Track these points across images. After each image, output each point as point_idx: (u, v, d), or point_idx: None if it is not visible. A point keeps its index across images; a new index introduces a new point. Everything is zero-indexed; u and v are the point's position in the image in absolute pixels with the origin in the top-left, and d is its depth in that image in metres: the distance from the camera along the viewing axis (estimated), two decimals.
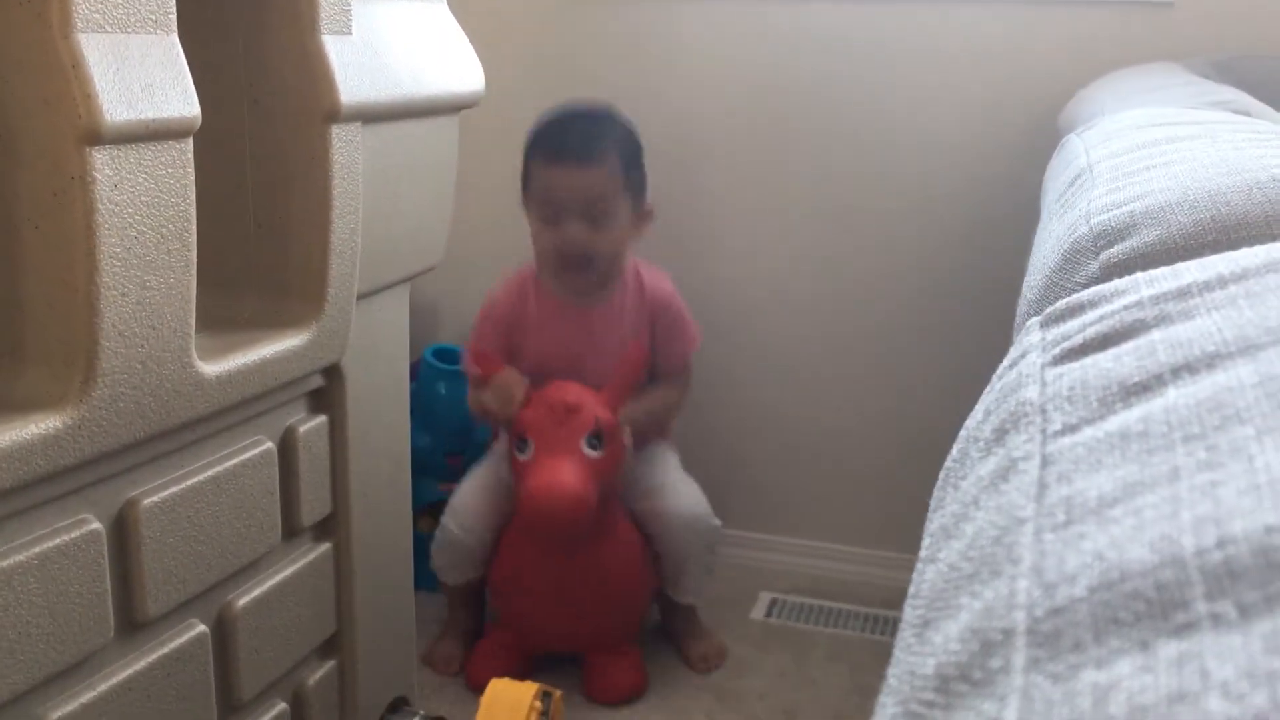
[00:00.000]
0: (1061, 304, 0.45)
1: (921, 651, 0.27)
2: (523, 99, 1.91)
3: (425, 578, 1.83)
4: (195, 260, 0.77)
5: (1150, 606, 0.22)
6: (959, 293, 1.77)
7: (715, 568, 1.66)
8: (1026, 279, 0.72)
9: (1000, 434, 0.35)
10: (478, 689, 1.37)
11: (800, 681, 1.60)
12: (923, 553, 0.35)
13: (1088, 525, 0.26)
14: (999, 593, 0.26)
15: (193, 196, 0.75)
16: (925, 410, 1.77)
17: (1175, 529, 0.24)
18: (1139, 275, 0.43)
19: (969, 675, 0.24)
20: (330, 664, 1.00)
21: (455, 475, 1.86)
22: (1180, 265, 0.43)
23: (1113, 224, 0.62)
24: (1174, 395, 0.31)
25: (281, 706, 0.94)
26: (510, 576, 1.59)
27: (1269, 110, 1.10)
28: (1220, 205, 0.59)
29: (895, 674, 0.28)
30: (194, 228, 0.76)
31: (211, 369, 0.81)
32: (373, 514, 1.02)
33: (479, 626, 1.68)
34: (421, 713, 1.03)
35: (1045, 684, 0.22)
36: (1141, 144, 0.81)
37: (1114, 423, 0.31)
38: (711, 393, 1.88)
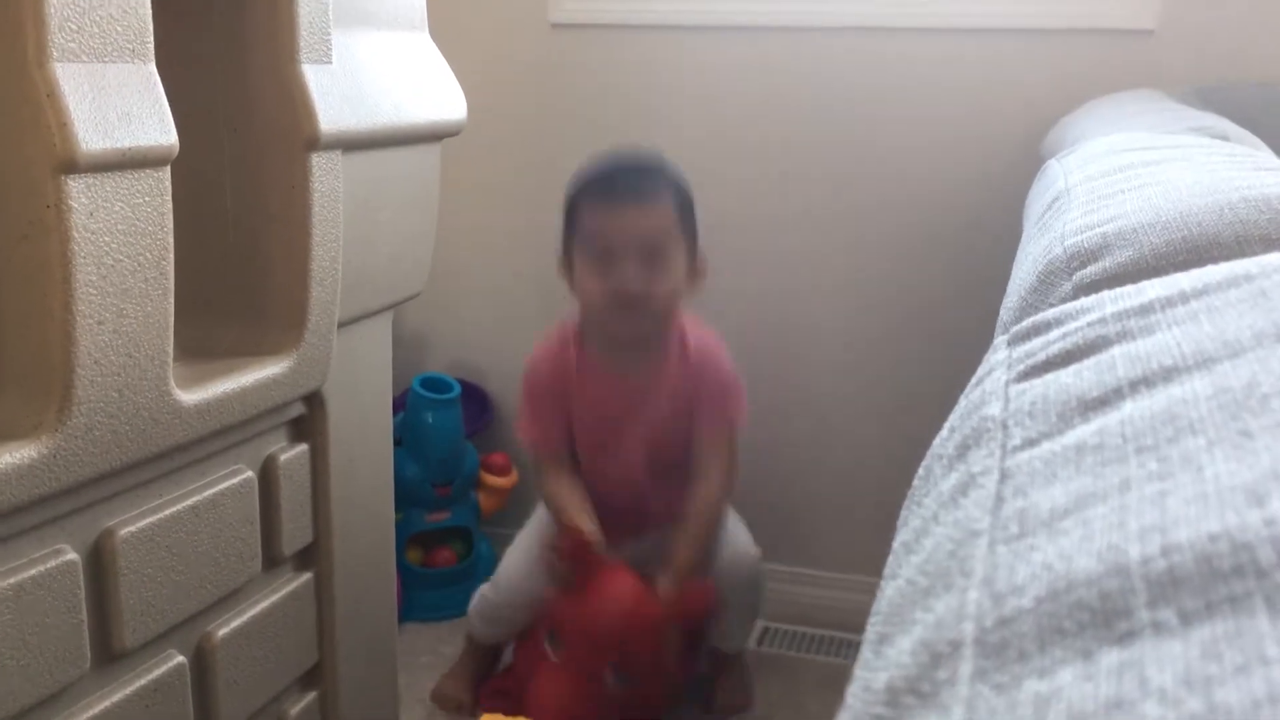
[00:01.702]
0: (1028, 322, 0.45)
1: (876, 666, 0.27)
2: (506, 128, 1.92)
3: (415, 609, 1.82)
4: (173, 289, 0.77)
5: (1094, 616, 0.22)
6: (951, 318, 1.77)
7: (761, 611, 1.63)
8: (1004, 300, 0.73)
9: (963, 450, 0.35)
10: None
11: (792, 710, 1.59)
12: (886, 571, 0.35)
13: (1039, 537, 0.26)
14: (950, 605, 0.26)
15: (170, 225, 0.75)
16: (916, 436, 1.77)
17: (1122, 538, 0.24)
18: (1105, 293, 0.43)
19: (918, 688, 0.23)
20: (312, 695, 0.99)
21: (443, 505, 1.85)
22: (1146, 283, 0.43)
23: (1086, 245, 0.62)
24: (1130, 409, 0.31)
25: None
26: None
27: (1248, 135, 1.10)
28: (1192, 226, 0.59)
29: (852, 691, 0.28)
30: (171, 256, 0.76)
31: (190, 397, 0.81)
32: (355, 543, 1.01)
33: (490, 674, 1.66)
34: None
35: (989, 694, 0.21)
36: (1118, 167, 0.81)
37: (1071, 437, 0.31)
38: None
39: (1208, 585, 0.21)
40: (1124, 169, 0.80)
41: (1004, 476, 0.31)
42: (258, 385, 0.86)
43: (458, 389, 1.84)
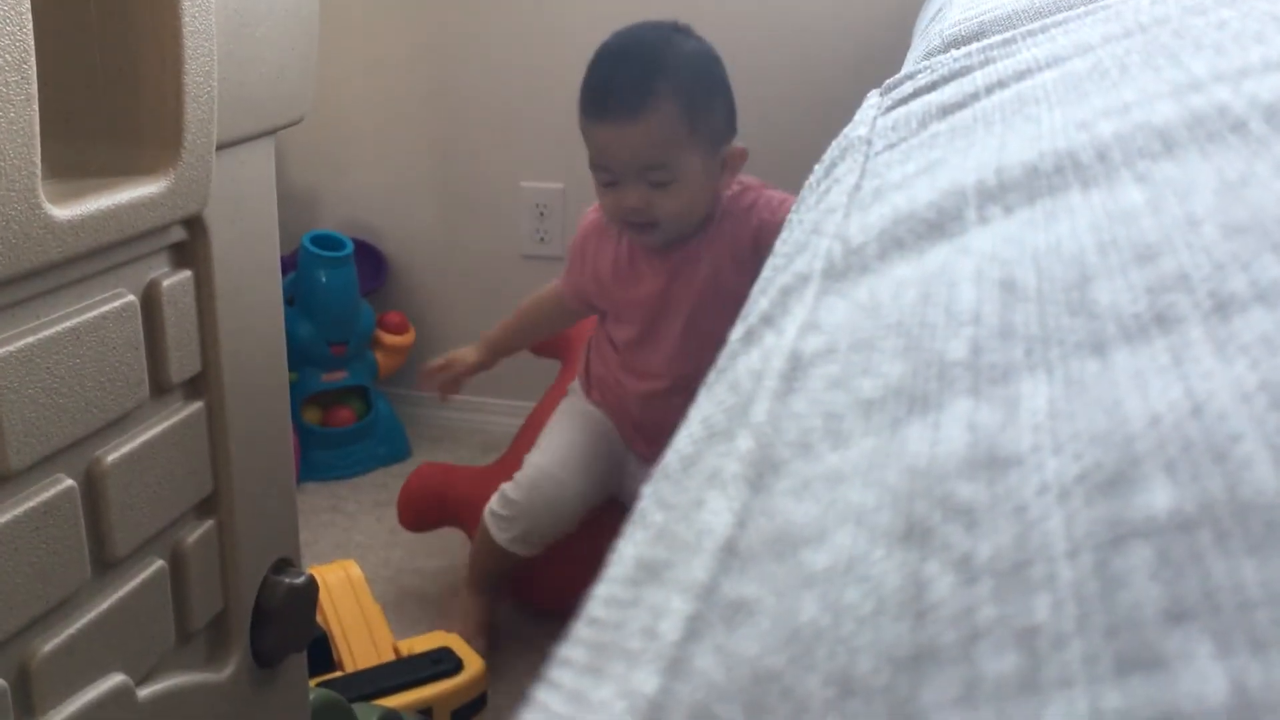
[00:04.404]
0: (900, 76, 0.46)
1: (739, 328, 0.28)
2: None
3: (314, 469, 1.82)
4: (36, 96, 0.73)
5: (929, 227, 0.23)
6: None
7: None
8: None
9: (830, 168, 0.36)
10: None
11: None
12: None
13: (890, 195, 0.27)
14: (805, 258, 0.27)
15: (29, 25, 0.71)
16: None
17: (962, 175, 0.25)
18: (974, 44, 0.45)
19: (770, 319, 0.25)
20: (209, 523, 0.99)
21: (340, 364, 1.84)
22: (1013, 31, 0.44)
23: (963, 33, 0.63)
24: (984, 102, 0.32)
25: (160, 564, 0.92)
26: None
27: None
28: (1063, 8, 0.60)
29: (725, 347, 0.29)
30: (33, 60, 0.72)
31: (63, 213, 0.78)
32: (246, 373, 1.00)
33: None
34: (307, 573, 1.02)
35: (831, 299, 0.23)
36: None
37: (927, 133, 0.32)
38: None
39: (1031, 185, 0.22)
40: None
41: (864, 173, 0.32)
42: (134, 204, 0.83)
43: (350, 246, 1.80)
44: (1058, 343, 0.15)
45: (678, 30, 1.29)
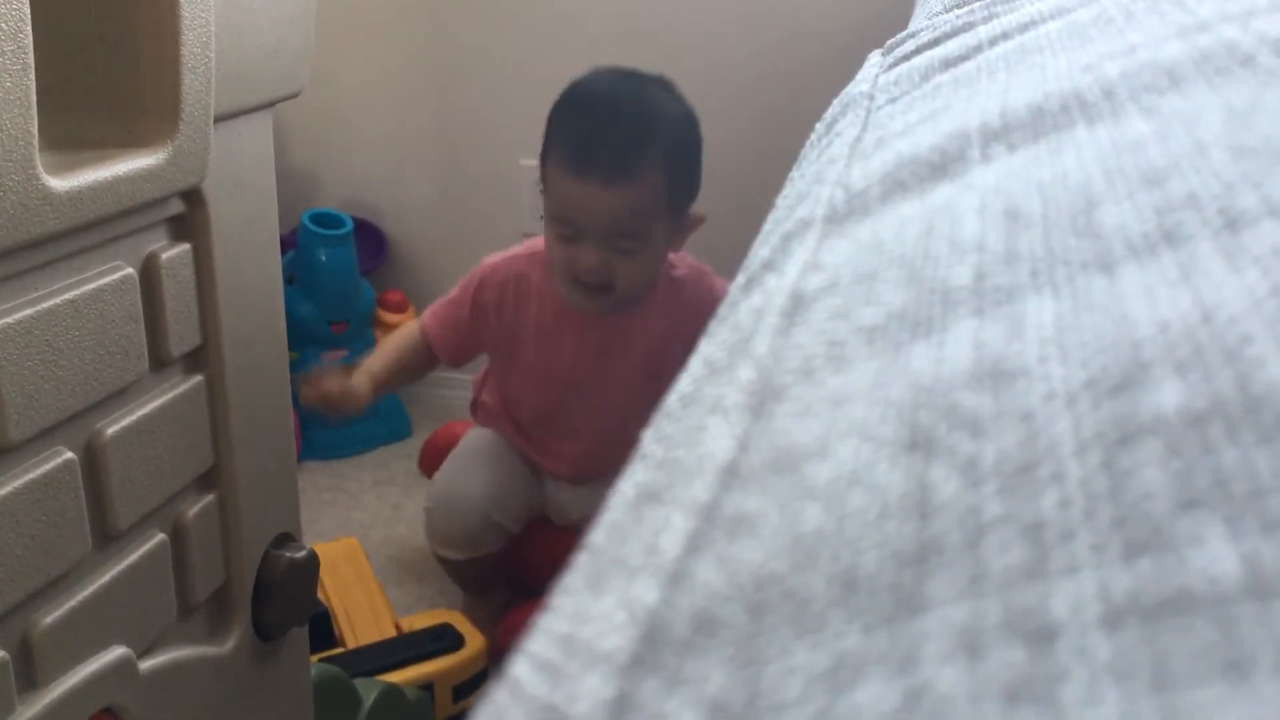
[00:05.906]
0: (902, 35, 0.46)
1: (740, 275, 0.28)
2: None
3: (315, 448, 1.82)
4: (33, 65, 0.73)
5: (932, 169, 0.23)
6: None
7: None
8: None
9: (831, 124, 0.36)
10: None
11: None
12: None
13: (893, 143, 0.27)
14: (807, 206, 0.27)
15: None
16: None
17: (965, 119, 0.25)
18: (977, 1, 0.44)
19: (771, 264, 0.24)
20: (210, 497, 0.99)
21: (340, 343, 1.83)
22: None
23: None
24: (988, 53, 0.32)
25: (161, 538, 0.92)
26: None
27: None
28: None
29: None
30: (29, 29, 0.72)
31: (61, 184, 0.77)
32: (246, 347, 1.00)
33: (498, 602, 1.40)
34: (308, 548, 1.02)
35: (833, 241, 0.22)
36: None
37: (930, 85, 0.32)
38: None
39: (1036, 124, 0.22)
40: None
41: (866, 126, 0.32)
42: (132, 176, 0.83)
43: (350, 224, 1.80)
44: (1063, 263, 0.14)
45: (664, 88, 1.20)
